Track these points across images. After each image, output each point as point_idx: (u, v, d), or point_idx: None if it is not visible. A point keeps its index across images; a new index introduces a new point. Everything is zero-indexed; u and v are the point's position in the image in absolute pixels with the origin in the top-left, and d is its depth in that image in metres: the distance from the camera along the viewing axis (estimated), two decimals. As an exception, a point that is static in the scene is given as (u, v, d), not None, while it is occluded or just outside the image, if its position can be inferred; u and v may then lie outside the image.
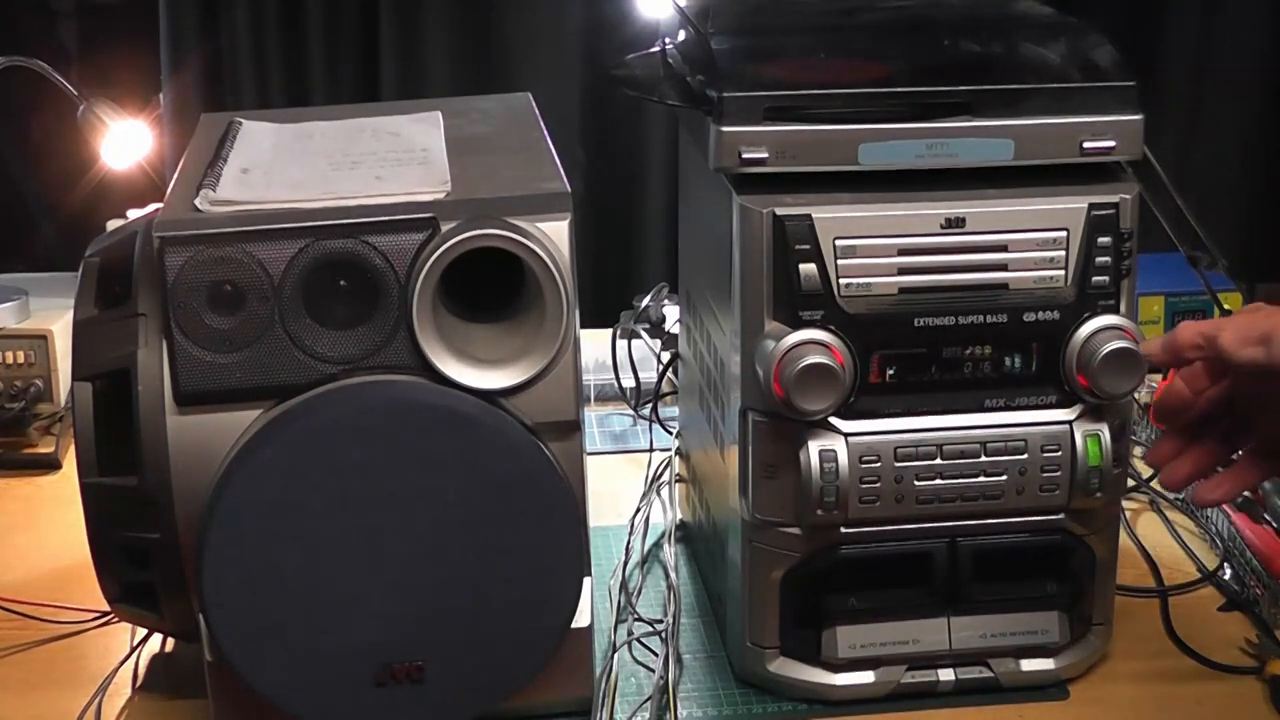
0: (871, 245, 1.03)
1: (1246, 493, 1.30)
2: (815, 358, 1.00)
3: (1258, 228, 2.28)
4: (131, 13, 2.18)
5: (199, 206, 0.99)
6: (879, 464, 1.05)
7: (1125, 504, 1.36)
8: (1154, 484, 1.41)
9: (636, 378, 1.55)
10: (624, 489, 1.40)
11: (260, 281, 0.97)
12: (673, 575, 1.23)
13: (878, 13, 1.20)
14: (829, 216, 1.02)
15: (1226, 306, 1.46)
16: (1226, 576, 1.27)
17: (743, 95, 1.02)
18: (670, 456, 1.41)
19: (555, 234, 1.00)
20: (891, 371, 1.04)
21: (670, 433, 1.44)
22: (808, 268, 1.02)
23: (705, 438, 1.22)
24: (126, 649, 1.16)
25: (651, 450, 1.45)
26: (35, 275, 1.65)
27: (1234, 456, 1.05)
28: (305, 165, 1.08)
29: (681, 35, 1.19)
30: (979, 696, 1.12)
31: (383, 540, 0.97)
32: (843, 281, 1.03)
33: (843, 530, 1.06)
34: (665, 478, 1.38)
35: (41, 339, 1.50)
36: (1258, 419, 1.02)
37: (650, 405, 1.51)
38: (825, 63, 1.11)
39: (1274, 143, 2.26)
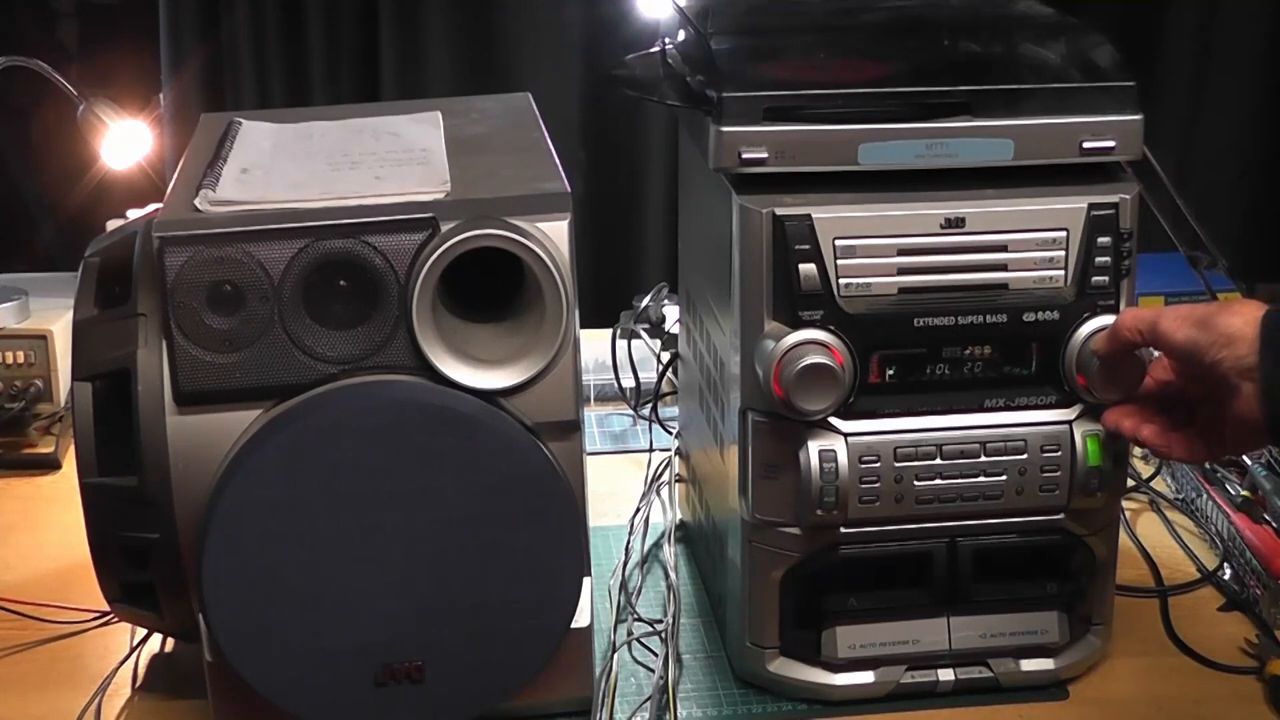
0: (871, 245, 1.03)
1: (1245, 492, 1.30)
2: (815, 358, 1.00)
3: (1258, 228, 2.28)
4: (131, 13, 2.18)
5: (199, 206, 0.99)
6: (879, 464, 1.05)
7: (1125, 504, 1.36)
8: (1154, 484, 1.41)
9: (636, 378, 1.55)
10: (624, 489, 1.40)
11: (260, 281, 0.97)
12: (673, 575, 1.22)
13: (878, 13, 1.20)
14: (829, 216, 1.02)
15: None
16: (1226, 576, 1.27)
17: (742, 95, 1.02)
18: (670, 456, 1.41)
19: (555, 234, 1.00)
20: (891, 371, 1.04)
21: (670, 433, 1.44)
22: (807, 268, 1.02)
23: (705, 438, 1.22)
24: (126, 649, 1.16)
25: (651, 450, 1.45)
26: (35, 275, 1.65)
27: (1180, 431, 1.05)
28: (305, 165, 1.08)
29: (681, 35, 1.19)
30: (979, 696, 1.12)
31: (383, 540, 0.97)
32: (842, 281, 1.03)
33: (842, 530, 1.06)
34: (665, 478, 1.38)
35: (41, 339, 1.50)
36: (1199, 405, 1.02)
37: (650, 405, 1.51)
38: (825, 63, 1.11)
39: (1274, 143, 2.26)
